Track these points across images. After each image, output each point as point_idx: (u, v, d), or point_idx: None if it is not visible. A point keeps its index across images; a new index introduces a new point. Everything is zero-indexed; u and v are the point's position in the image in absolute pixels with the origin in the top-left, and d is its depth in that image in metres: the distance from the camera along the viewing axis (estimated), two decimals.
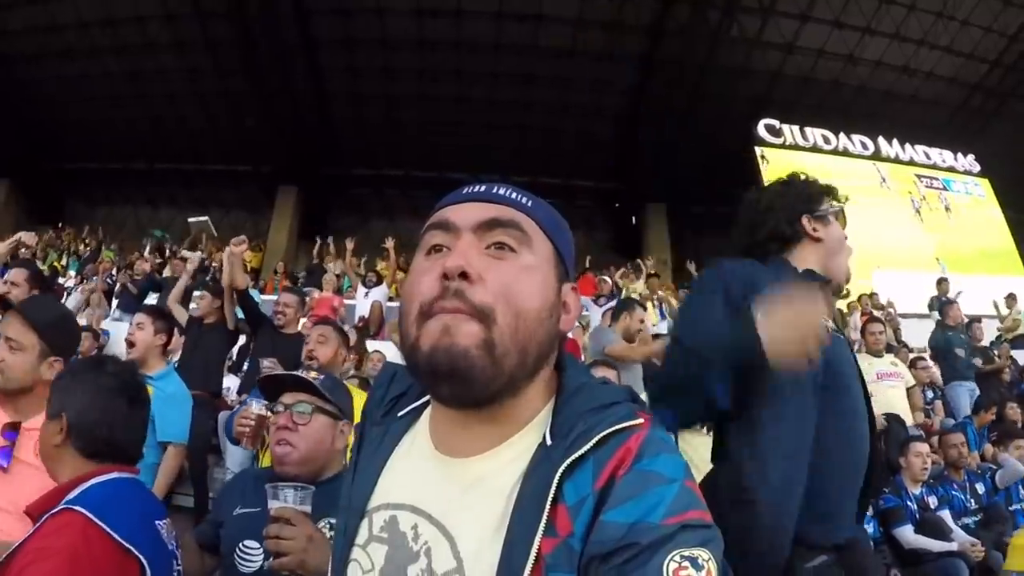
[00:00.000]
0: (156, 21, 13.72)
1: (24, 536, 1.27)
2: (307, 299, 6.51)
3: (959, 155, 14.55)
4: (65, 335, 2.06)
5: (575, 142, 16.02)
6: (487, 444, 0.72)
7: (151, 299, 8.04)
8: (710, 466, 1.58)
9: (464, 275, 0.68)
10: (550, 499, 0.64)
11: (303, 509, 1.32)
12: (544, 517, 0.64)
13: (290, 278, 11.37)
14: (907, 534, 4.26)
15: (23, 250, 4.83)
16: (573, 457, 0.66)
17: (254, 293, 6.48)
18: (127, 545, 1.24)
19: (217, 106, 15.37)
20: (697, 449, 2.98)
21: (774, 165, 13.00)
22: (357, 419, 2.75)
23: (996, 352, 7.82)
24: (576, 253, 0.86)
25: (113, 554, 1.23)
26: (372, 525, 0.75)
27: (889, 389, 5.56)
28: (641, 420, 0.69)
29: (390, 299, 8.82)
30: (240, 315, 4.67)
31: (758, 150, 13.47)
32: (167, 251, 12.21)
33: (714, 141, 14.34)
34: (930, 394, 6.86)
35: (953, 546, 4.15)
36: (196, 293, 5.79)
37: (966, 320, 8.01)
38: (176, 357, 5.15)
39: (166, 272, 9.75)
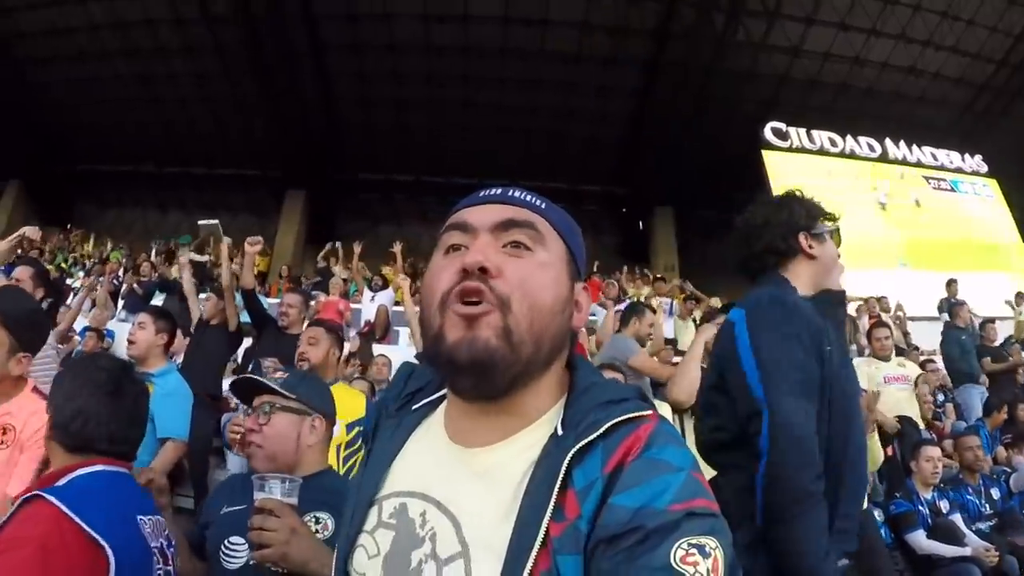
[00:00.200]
0: (166, 25, 13.85)
1: None
2: (312, 302, 6.50)
3: (967, 156, 14.49)
4: (33, 330, 2.05)
5: (581, 146, 16.04)
6: (500, 435, 0.74)
7: (158, 300, 8.05)
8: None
9: (483, 270, 0.71)
10: (559, 483, 0.66)
11: (289, 501, 1.30)
12: (552, 501, 0.65)
13: (293, 281, 11.36)
14: (919, 540, 4.18)
15: (25, 244, 4.78)
16: (584, 442, 0.67)
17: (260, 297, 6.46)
18: (96, 536, 1.23)
19: (226, 110, 15.48)
20: None
21: (773, 168, 13.00)
22: (346, 416, 2.77)
23: (1008, 352, 7.72)
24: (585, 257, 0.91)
25: (85, 546, 1.22)
26: (382, 512, 0.76)
27: (897, 392, 5.49)
28: (650, 412, 0.71)
29: (396, 303, 8.79)
30: (247, 319, 4.66)
31: (764, 154, 13.43)
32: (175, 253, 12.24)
33: (720, 145, 14.33)
34: (940, 397, 6.78)
35: (967, 551, 4.07)
36: (202, 296, 5.79)
37: (979, 321, 7.94)
38: (181, 359, 5.15)
39: (173, 273, 9.78)
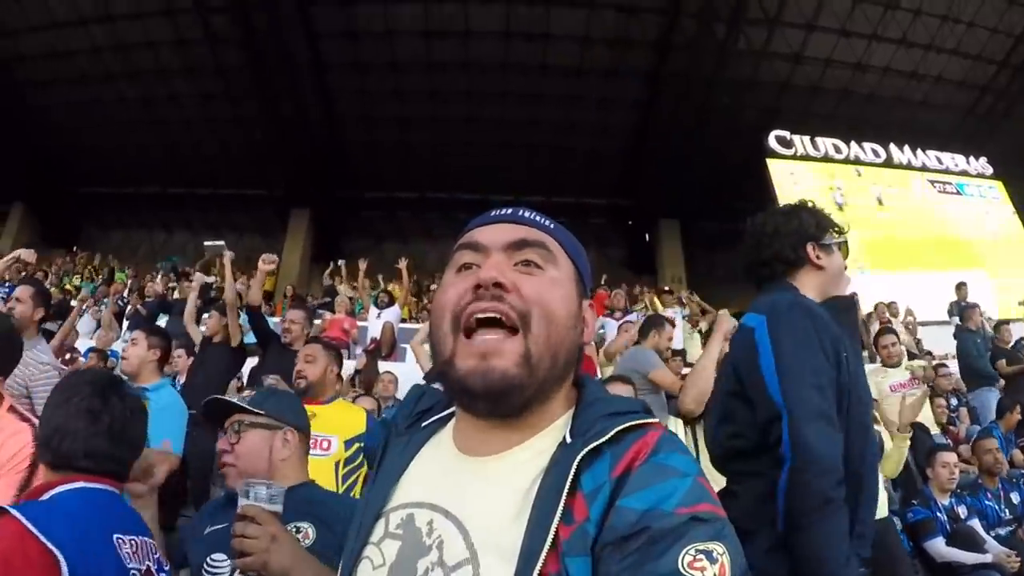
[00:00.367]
0: (167, 46, 13.99)
1: None
2: (317, 321, 6.47)
3: (971, 158, 14.41)
4: (3, 351, 2.05)
5: (585, 159, 16.07)
6: (509, 445, 0.76)
7: (161, 321, 8.05)
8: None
9: (499, 285, 0.74)
10: (567, 487, 0.67)
11: (273, 508, 1.27)
12: (561, 504, 0.66)
13: (297, 299, 11.33)
14: (939, 547, 4.09)
15: (16, 265, 4.81)
16: (592, 446, 0.69)
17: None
18: (55, 551, 1.20)
19: (229, 130, 15.59)
20: None
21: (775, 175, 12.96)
22: (345, 433, 2.75)
23: (1022, 354, 7.60)
24: (591, 271, 0.92)
25: (50, 564, 1.20)
26: (388, 523, 0.77)
27: (909, 398, 5.39)
28: (657, 420, 0.73)
29: (403, 320, 8.75)
30: (252, 339, 4.64)
31: (772, 162, 13.37)
32: (179, 274, 12.27)
33: (723, 155, 14.34)
34: (954, 401, 6.68)
35: (987, 558, 3.98)
36: (205, 315, 5.78)
37: (993, 323, 7.83)
38: (184, 378, 5.12)
39: (176, 295, 9.79)
